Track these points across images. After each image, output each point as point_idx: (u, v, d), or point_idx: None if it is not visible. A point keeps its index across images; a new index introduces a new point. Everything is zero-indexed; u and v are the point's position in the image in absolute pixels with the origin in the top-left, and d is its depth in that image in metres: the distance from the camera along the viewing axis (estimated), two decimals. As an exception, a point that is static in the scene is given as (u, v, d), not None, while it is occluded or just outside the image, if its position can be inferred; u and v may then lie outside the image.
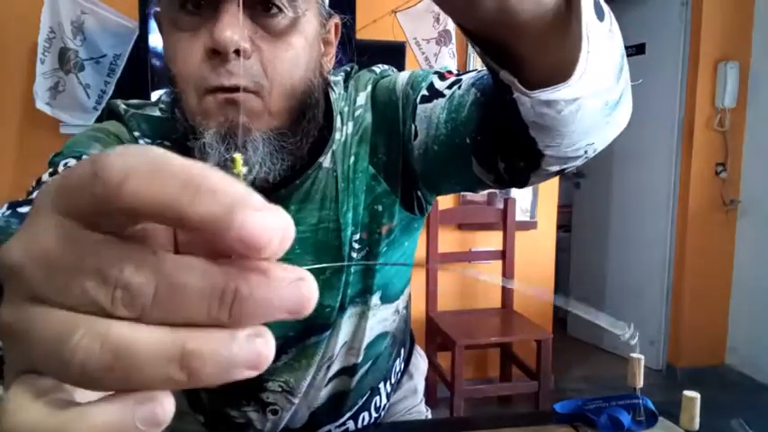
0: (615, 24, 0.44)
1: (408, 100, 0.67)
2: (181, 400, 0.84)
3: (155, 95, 2.21)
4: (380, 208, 0.70)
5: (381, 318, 0.77)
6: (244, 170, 0.24)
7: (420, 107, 0.65)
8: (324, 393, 0.78)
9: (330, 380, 0.77)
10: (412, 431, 0.86)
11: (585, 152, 0.51)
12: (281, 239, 0.19)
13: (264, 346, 0.20)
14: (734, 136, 2.99)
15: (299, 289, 0.20)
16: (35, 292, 0.19)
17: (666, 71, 3.02)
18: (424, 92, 0.65)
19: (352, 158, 0.69)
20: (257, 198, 0.19)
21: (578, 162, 0.53)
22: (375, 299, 0.75)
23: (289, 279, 0.20)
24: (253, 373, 0.20)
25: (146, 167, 0.19)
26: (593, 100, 0.44)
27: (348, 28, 0.73)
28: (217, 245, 0.19)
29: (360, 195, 0.69)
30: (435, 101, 0.63)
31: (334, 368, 0.77)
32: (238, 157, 0.24)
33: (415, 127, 0.65)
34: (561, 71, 0.41)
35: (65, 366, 0.19)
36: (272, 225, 0.19)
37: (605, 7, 0.43)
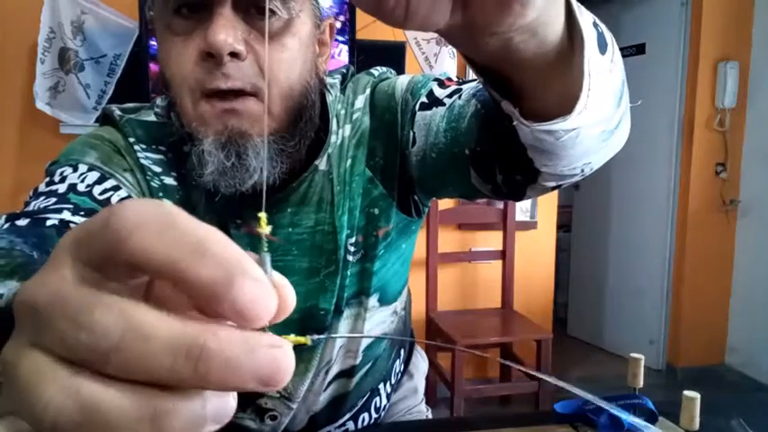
0: (617, 53, 0.44)
1: (407, 106, 0.67)
2: None
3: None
4: (377, 211, 0.70)
5: (379, 320, 0.77)
6: (267, 230, 0.24)
7: (419, 114, 0.64)
8: (323, 398, 0.78)
9: (329, 384, 0.77)
10: (412, 431, 0.86)
11: (582, 170, 0.51)
12: (276, 311, 0.19)
13: (230, 408, 0.19)
14: (734, 136, 2.99)
15: (274, 356, 0.19)
16: (37, 336, 0.19)
17: (666, 71, 3.02)
18: (424, 99, 0.65)
19: (349, 161, 0.69)
20: (257, 269, 0.19)
21: (575, 179, 0.53)
22: (373, 301, 0.75)
23: (264, 343, 0.19)
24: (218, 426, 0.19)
25: (154, 224, 0.19)
26: (593, 128, 0.45)
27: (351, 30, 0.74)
28: (211, 309, 0.19)
29: (356, 198, 0.69)
30: (435, 109, 0.63)
31: (333, 371, 0.77)
32: (263, 216, 0.24)
33: (414, 134, 0.65)
34: (562, 104, 0.42)
35: (38, 420, 0.18)
36: (267, 297, 0.19)
37: (608, 37, 0.43)
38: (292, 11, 0.58)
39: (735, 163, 3.01)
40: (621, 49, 3.39)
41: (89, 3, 2.14)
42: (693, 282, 3.03)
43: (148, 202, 0.20)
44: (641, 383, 0.80)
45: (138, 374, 0.18)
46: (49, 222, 0.54)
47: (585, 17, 0.39)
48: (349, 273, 0.71)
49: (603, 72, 0.41)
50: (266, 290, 0.19)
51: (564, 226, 3.63)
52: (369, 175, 0.69)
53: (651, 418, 0.77)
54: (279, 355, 0.19)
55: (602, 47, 0.41)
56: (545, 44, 0.37)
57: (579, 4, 0.39)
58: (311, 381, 0.75)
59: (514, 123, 0.45)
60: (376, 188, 0.70)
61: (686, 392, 0.76)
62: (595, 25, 0.41)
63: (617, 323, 3.36)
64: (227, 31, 0.54)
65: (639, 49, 3.16)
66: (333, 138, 0.69)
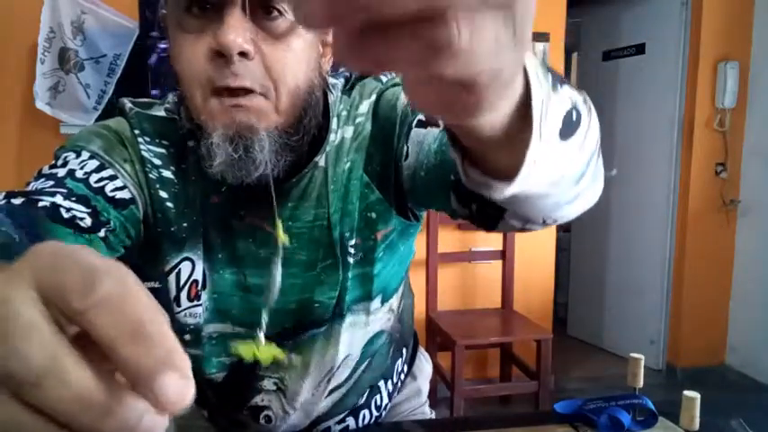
0: (591, 134, 0.41)
1: (406, 119, 0.68)
2: None
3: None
4: (374, 215, 0.71)
5: (378, 318, 0.78)
6: (285, 239, 0.26)
7: (415, 130, 0.66)
8: (322, 405, 0.79)
9: (330, 392, 0.78)
10: (412, 431, 0.86)
11: (544, 221, 0.50)
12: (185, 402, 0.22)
13: None
14: (734, 136, 2.99)
15: (152, 428, 0.22)
16: None
17: (666, 71, 3.02)
18: (421, 116, 0.66)
19: (349, 164, 0.71)
20: (184, 361, 0.22)
21: (538, 228, 0.52)
22: (376, 303, 0.76)
23: (152, 415, 0.22)
24: None
25: (115, 299, 0.21)
26: (540, 199, 0.43)
27: None
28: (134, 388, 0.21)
29: (355, 201, 0.71)
30: (430, 128, 0.64)
31: (335, 382, 0.77)
32: (280, 228, 0.28)
33: (408, 148, 0.66)
34: (508, 171, 0.37)
35: None
36: (186, 391, 0.21)
37: (584, 120, 0.40)
38: None
39: (735, 163, 3.01)
40: (621, 49, 3.41)
41: (89, 3, 2.14)
42: (693, 282, 3.03)
43: (119, 271, 0.22)
44: (641, 383, 0.80)
45: (52, 413, 0.20)
46: (40, 204, 0.56)
47: (560, 97, 0.36)
48: (350, 275, 0.72)
49: (559, 158, 0.38)
50: (186, 385, 0.22)
51: (564, 226, 3.64)
52: (366, 179, 0.71)
53: (651, 418, 0.77)
54: (155, 427, 0.22)
55: (569, 132, 0.38)
56: (489, 130, 0.34)
57: (550, 85, 0.35)
58: (311, 393, 0.76)
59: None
60: (372, 193, 0.71)
61: (686, 392, 0.76)
62: (570, 112, 0.38)
63: (617, 323, 3.37)
64: (236, 32, 0.56)
65: (639, 49, 3.16)
66: (332, 136, 0.71)
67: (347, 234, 0.71)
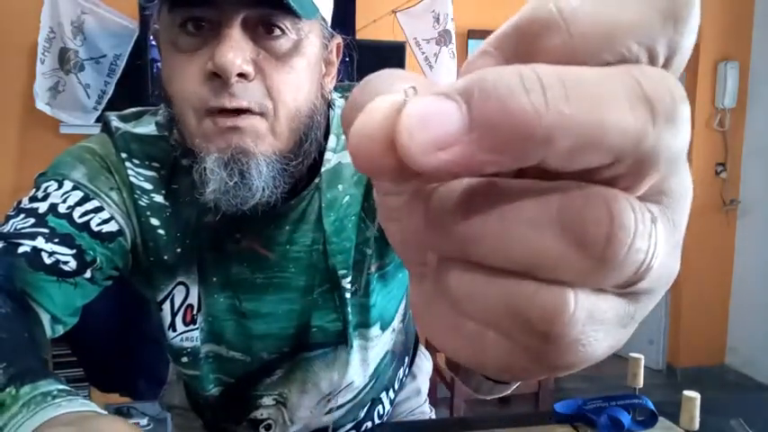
0: None
1: None
2: (183, 399, 0.84)
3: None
4: (369, 250, 0.70)
5: (382, 343, 0.77)
6: None
7: None
8: (324, 419, 0.78)
9: (329, 411, 0.77)
10: (412, 431, 0.86)
11: None
12: None
13: None
14: (734, 136, 2.99)
15: None
16: None
17: (666, 71, 3.02)
18: None
19: (347, 198, 0.68)
20: None
21: None
22: (375, 330, 0.74)
23: None
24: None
25: None
26: None
27: (351, 48, 0.72)
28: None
29: (352, 238, 0.69)
30: None
31: (334, 404, 0.76)
32: None
33: None
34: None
35: None
36: None
37: None
38: (301, 32, 0.57)
39: (735, 163, 3.01)
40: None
41: (89, 3, 2.14)
42: (693, 282, 3.03)
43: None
44: (641, 383, 0.80)
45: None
46: (20, 249, 0.54)
47: None
48: (349, 307, 0.71)
49: None
50: None
51: (564, 226, 3.63)
52: (362, 215, 0.69)
53: (651, 418, 0.77)
54: None
55: None
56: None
57: None
58: (310, 410, 0.75)
59: None
60: (368, 229, 0.69)
61: (686, 392, 0.76)
62: None
63: (617, 323, 3.37)
64: (235, 52, 0.52)
65: (639, 49, 3.16)
66: (328, 155, 0.68)
67: (343, 271, 0.69)
